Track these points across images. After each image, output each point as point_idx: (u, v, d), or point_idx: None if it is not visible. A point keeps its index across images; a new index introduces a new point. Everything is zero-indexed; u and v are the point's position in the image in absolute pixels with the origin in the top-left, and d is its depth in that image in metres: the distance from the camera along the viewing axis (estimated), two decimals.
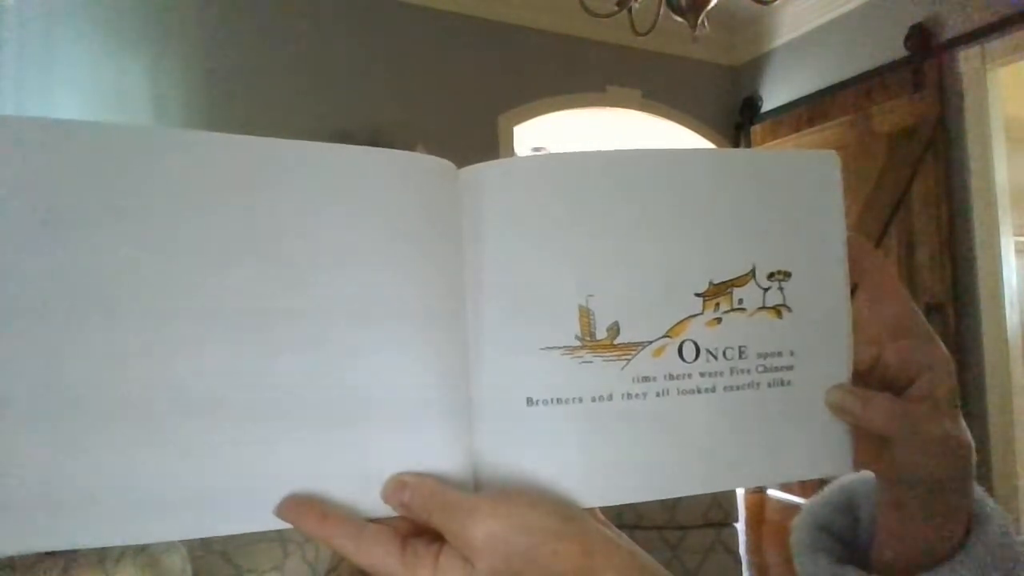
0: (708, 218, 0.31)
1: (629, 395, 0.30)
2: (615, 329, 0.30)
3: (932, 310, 2.46)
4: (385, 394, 0.28)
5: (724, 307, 0.31)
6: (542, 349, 0.29)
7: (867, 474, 0.39)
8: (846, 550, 0.37)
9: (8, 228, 0.24)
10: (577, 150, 0.31)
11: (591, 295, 0.30)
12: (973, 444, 0.31)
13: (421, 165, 0.30)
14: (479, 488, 0.30)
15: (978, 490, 0.33)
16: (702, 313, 0.31)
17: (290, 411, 0.27)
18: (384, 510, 0.28)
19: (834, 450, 0.32)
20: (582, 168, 0.30)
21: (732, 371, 0.31)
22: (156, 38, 2.35)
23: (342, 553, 0.27)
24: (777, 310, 0.31)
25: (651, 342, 0.30)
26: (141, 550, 1.27)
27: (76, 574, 1.20)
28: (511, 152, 3.00)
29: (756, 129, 3.35)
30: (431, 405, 0.29)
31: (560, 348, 0.29)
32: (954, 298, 2.43)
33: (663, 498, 0.30)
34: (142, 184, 0.26)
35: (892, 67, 2.67)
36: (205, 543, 1.62)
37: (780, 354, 0.31)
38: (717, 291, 0.31)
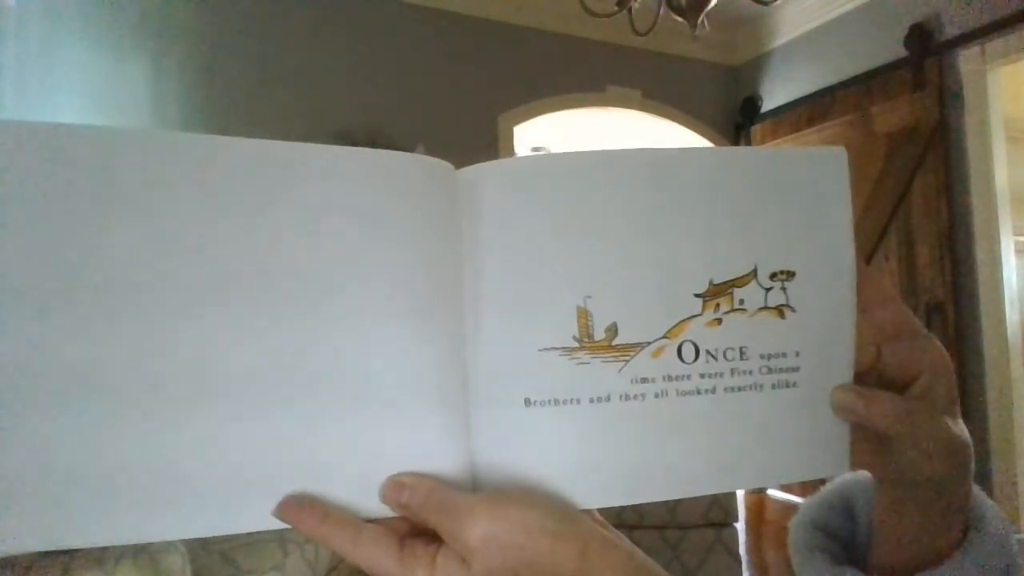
0: (709, 218, 0.31)
1: (627, 396, 0.30)
2: (613, 330, 0.30)
3: (932, 310, 2.46)
4: (383, 394, 0.28)
5: (724, 308, 0.31)
6: (540, 350, 0.29)
7: (863, 474, 0.39)
8: (843, 550, 0.37)
9: (16, 225, 0.25)
10: (576, 150, 0.30)
11: (589, 296, 0.30)
12: (972, 444, 0.31)
13: (419, 165, 0.30)
14: (477, 489, 0.30)
15: (976, 490, 0.33)
16: (701, 314, 0.30)
17: (289, 411, 0.27)
18: (382, 510, 0.28)
19: (833, 451, 0.32)
20: (580, 168, 0.30)
21: (733, 372, 0.31)
22: (156, 38, 2.35)
23: (340, 553, 0.27)
24: (780, 310, 0.31)
25: (650, 343, 0.30)
26: (141, 550, 1.27)
27: (76, 574, 1.20)
28: (511, 152, 3.00)
29: (756, 129, 3.35)
30: (429, 405, 0.29)
31: (558, 349, 0.29)
32: (954, 298, 2.43)
33: (662, 500, 0.30)
34: (143, 184, 0.26)
35: (892, 67, 2.67)
36: (205, 543, 1.62)
37: (785, 355, 0.31)
38: (717, 291, 0.30)
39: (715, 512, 2.01)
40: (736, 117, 3.47)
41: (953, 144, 2.47)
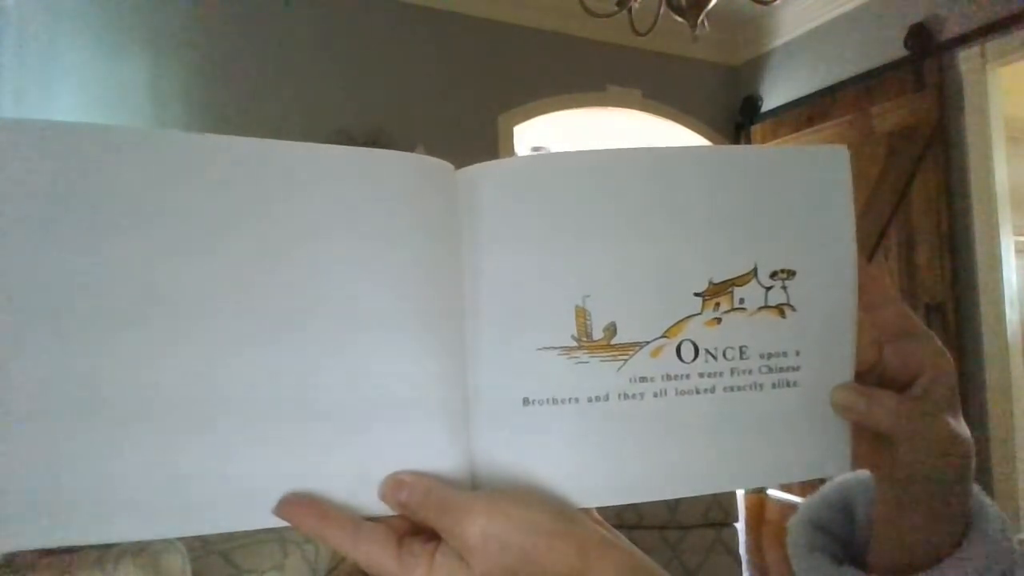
0: (709, 216, 0.31)
1: (626, 395, 0.30)
2: (612, 329, 0.30)
3: (932, 310, 2.46)
4: (383, 393, 0.29)
5: (724, 307, 0.30)
6: (539, 349, 0.29)
7: (863, 473, 0.39)
8: (843, 550, 0.37)
9: (21, 232, 0.25)
10: (575, 149, 0.30)
11: (588, 295, 0.30)
12: (973, 443, 0.31)
13: (418, 165, 0.30)
14: (476, 487, 0.30)
15: (976, 489, 0.33)
16: (701, 313, 0.30)
17: (289, 409, 0.27)
18: (381, 509, 0.28)
19: (834, 450, 0.32)
20: (579, 167, 0.30)
21: (733, 372, 0.31)
22: (156, 38, 2.35)
23: (339, 551, 0.27)
24: (780, 309, 0.31)
25: (648, 342, 0.30)
26: (141, 550, 1.27)
27: (76, 573, 1.20)
28: (511, 152, 3.00)
29: (756, 129, 3.35)
30: (429, 404, 0.29)
31: (556, 348, 0.29)
32: (954, 298, 2.43)
33: (661, 499, 0.30)
34: (142, 186, 0.26)
35: (892, 67, 2.67)
36: (205, 543, 1.62)
37: (785, 354, 0.31)
38: (717, 291, 0.30)
39: (715, 512, 2.01)
40: (736, 117, 3.47)
41: (953, 144, 2.47)
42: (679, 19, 1.82)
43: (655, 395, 0.30)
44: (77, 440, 0.25)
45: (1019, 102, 2.64)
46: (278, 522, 0.27)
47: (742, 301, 0.31)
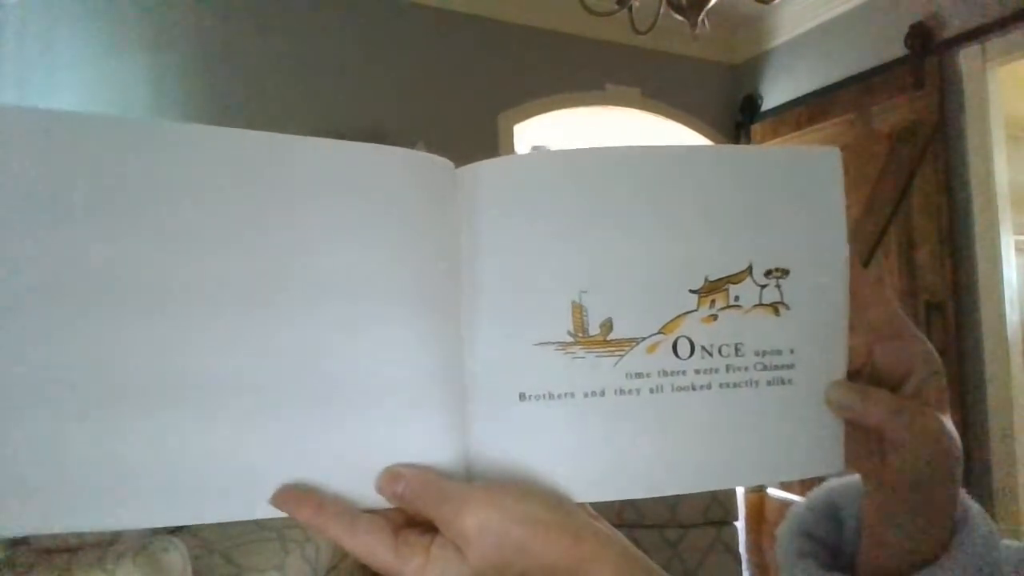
0: (705, 214, 0.31)
1: (622, 391, 0.30)
2: (608, 325, 0.30)
3: (932, 309, 2.46)
4: (380, 387, 0.29)
5: (720, 304, 0.31)
6: (535, 345, 0.29)
7: (850, 479, 0.39)
8: (831, 556, 0.37)
9: (10, 217, 0.25)
10: (573, 147, 0.31)
11: (584, 291, 0.30)
12: (961, 445, 0.31)
13: (419, 161, 0.30)
14: (471, 481, 0.30)
15: (962, 494, 0.33)
16: (697, 310, 0.30)
17: (285, 403, 0.28)
18: (378, 501, 0.28)
19: (827, 449, 0.32)
20: (577, 165, 0.30)
21: (728, 368, 0.31)
22: (157, 35, 2.35)
23: (336, 542, 0.27)
24: (774, 307, 0.31)
25: (645, 338, 0.30)
26: (142, 549, 1.27)
27: (76, 572, 1.20)
28: (511, 150, 3.00)
29: (756, 128, 3.35)
30: (425, 398, 0.29)
31: (553, 344, 0.29)
32: (954, 297, 2.43)
33: (656, 496, 0.30)
34: (144, 175, 0.27)
35: (892, 66, 2.67)
36: (206, 543, 1.62)
37: (780, 352, 0.31)
38: (713, 288, 0.31)
39: (715, 511, 2.01)
40: (736, 116, 3.47)
41: (953, 143, 2.47)
42: (679, 18, 1.82)
43: (651, 391, 0.30)
44: (75, 425, 0.25)
45: (1019, 101, 2.63)
46: (275, 512, 0.27)
47: (737, 298, 0.31)
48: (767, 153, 0.33)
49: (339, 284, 0.29)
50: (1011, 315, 2.35)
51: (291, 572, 1.62)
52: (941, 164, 2.47)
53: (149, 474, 0.26)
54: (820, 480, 0.39)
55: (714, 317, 0.31)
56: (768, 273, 0.31)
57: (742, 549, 2.19)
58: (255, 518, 0.27)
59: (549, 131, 3.38)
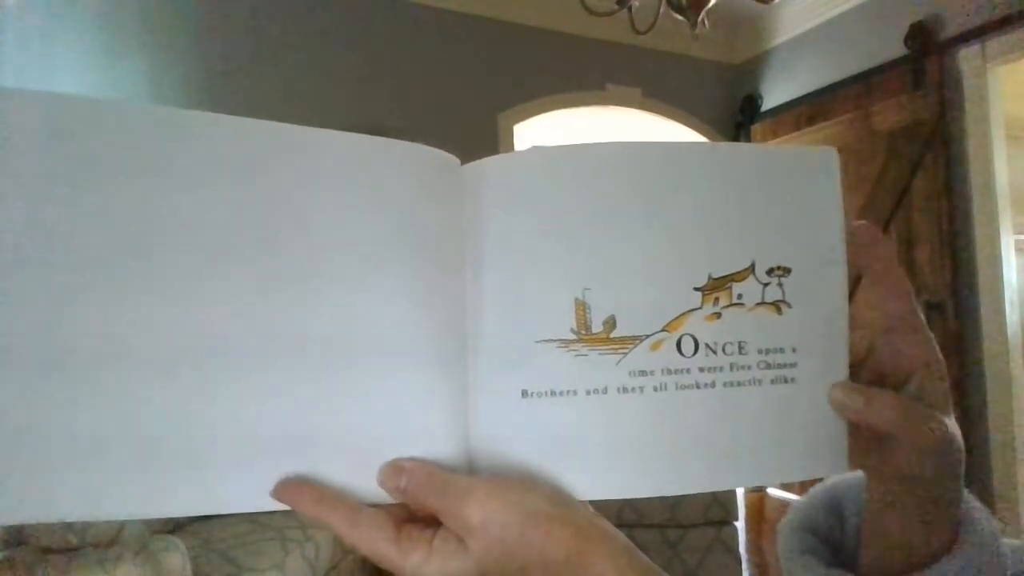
0: (707, 212, 0.31)
1: (625, 389, 0.30)
2: (611, 323, 0.30)
3: (932, 309, 2.46)
4: (382, 382, 0.29)
5: (723, 302, 0.31)
6: (537, 342, 0.29)
7: (852, 476, 0.38)
8: (833, 553, 0.37)
9: (17, 186, 0.25)
10: (576, 143, 0.31)
11: (587, 288, 0.30)
12: (963, 445, 0.31)
13: (426, 156, 0.30)
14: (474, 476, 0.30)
15: (966, 494, 0.33)
16: (701, 307, 0.30)
17: (286, 390, 0.28)
18: (379, 496, 0.28)
19: (831, 450, 0.32)
20: (581, 161, 0.30)
21: (732, 367, 0.30)
22: (155, 36, 2.35)
23: (337, 535, 0.27)
24: (777, 306, 0.31)
25: (648, 336, 0.30)
26: (142, 549, 1.27)
27: (76, 572, 1.20)
28: (511, 150, 3.00)
29: (756, 128, 3.35)
30: (428, 393, 0.29)
31: (555, 341, 0.29)
32: (954, 296, 2.43)
33: (658, 495, 0.30)
34: (152, 157, 0.27)
35: (892, 65, 2.67)
36: (206, 542, 1.62)
37: (782, 350, 0.31)
38: (716, 285, 0.30)
39: (715, 510, 2.01)
40: (736, 116, 3.47)
41: (953, 143, 2.47)
42: (679, 17, 1.82)
43: (655, 389, 0.30)
44: (66, 408, 0.25)
45: (1019, 101, 2.63)
46: (276, 505, 0.27)
47: (740, 296, 0.31)
48: (767, 152, 0.33)
49: (342, 274, 0.29)
50: (1011, 315, 2.35)
51: (291, 572, 1.62)
52: (941, 164, 2.47)
53: (146, 463, 0.26)
54: (821, 479, 0.39)
55: (718, 315, 0.30)
56: (770, 271, 0.31)
57: (742, 549, 2.19)
58: (256, 511, 0.27)
59: (549, 131, 3.38)
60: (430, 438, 0.29)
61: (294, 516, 1.80)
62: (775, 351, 0.31)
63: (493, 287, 0.30)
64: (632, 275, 0.30)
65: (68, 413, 0.25)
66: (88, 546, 1.28)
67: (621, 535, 0.28)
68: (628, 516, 1.99)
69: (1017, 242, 2.49)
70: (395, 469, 0.28)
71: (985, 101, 2.39)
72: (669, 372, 0.30)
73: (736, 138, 3.48)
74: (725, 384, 0.30)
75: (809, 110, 3.05)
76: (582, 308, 0.30)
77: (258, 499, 0.27)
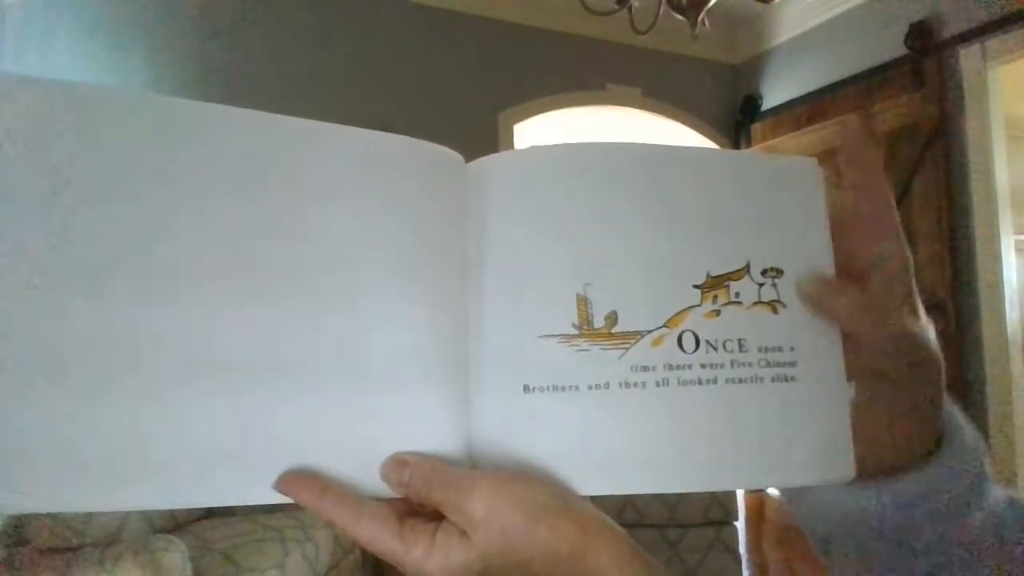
0: (705, 213, 0.31)
1: (627, 384, 0.30)
2: (613, 318, 0.30)
3: (932, 308, 2.46)
4: (384, 376, 0.29)
5: (722, 299, 0.31)
6: (539, 337, 0.29)
7: None
8: None
9: (22, 189, 0.25)
10: (578, 142, 0.31)
11: (589, 284, 0.30)
12: (938, 351, 0.31)
13: (430, 152, 0.31)
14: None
15: (955, 410, 0.33)
16: (700, 304, 0.31)
17: (290, 388, 0.28)
18: (381, 490, 0.28)
19: (837, 456, 0.31)
20: (582, 160, 0.31)
21: (733, 363, 0.30)
22: (156, 38, 2.35)
23: (340, 528, 0.27)
24: (772, 305, 0.31)
25: (650, 331, 0.30)
26: (142, 548, 1.27)
27: (76, 572, 1.20)
28: (511, 149, 2.99)
29: (756, 127, 3.35)
30: (430, 389, 0.29)
31: (557, 336, 0.29)
32: (954, 297, 2.43)
33: (660, 491, 0.30)
34: (156, 152, 0.27)
35: (892, 65, 2.67)
36: (206, 542, 1.62)
37: (781, 349, 0.31)
38: (715, 283, 0.31)
39: (715, 511, 2.01)
40: (736, 115, 3.47)
41: (953, 143, 2.47)
42: (679, 17, 1.82)
43: (657, 384, 0.30)
44: (77, 405, 0.25)
45: (1019, 101, 2.64)
46: (278, 498, 0.27)
47: (738, 295, 0.31)
48: (752, 159, 0.33)
49: (343, 270, 0.29)
50: (1011, 315, 2.35)
51: (291, 572, 1.62)
52: (941, 164, 2.47)
53: (148, 456, 0.26)
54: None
55: (717, 312, 0.31)
56: (764, 272, 0.31)
57: (742, 549, 2.19)
58: (259, 503, 0.27)
59: (549, 131, 3.38)
60: (432, 433, 0.29)
61: (294, 516, 1.80)
62: (774, 350, 0.31)
63: (495, 282, 0.30)
64: (633, 271, 0.30)
65: (73, 414, 0.25)
66: (88, 546, 1.28)
67: (622, 530, 0.28)
68: (628, 515, 1.99)
69: (1017, 242, 2.49)
70: (398, 463, 0.28)
71: (985, 101, 2.39)
72: (671, 368, 0.30)
73: (736, 138, 3.48)
74: (727, 381, 0.30)
75: (809, 110, 3.05)
76: (584, 303, 0.30)
77: (261, 492, 0.27)
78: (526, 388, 0.29)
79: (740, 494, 2.83)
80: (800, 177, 0.33)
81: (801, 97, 3.12)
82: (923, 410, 0.31)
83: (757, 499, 3.14)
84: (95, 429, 0.25)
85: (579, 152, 0.31)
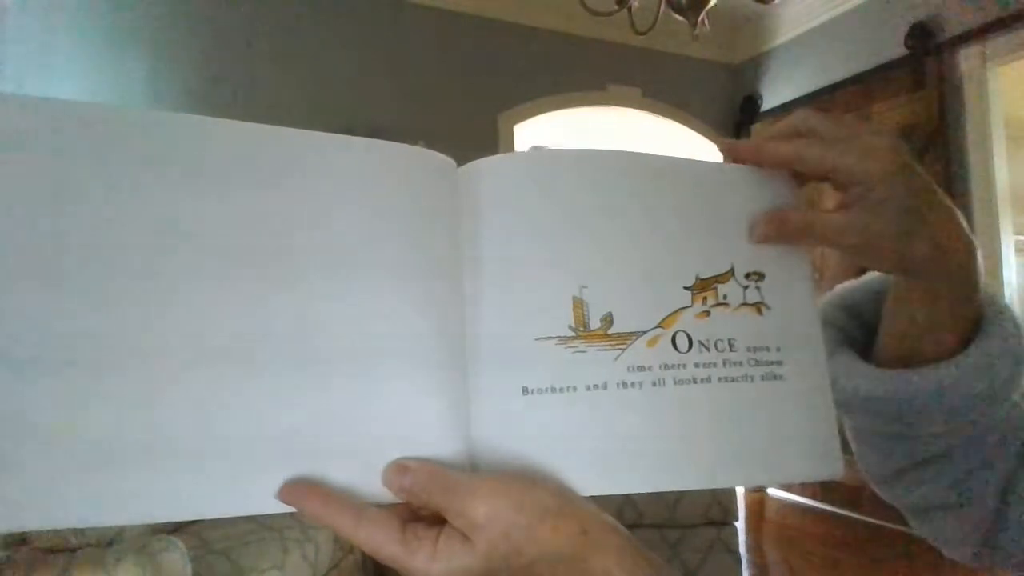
0: (692, 218, 0.33)
1: (624, 384, 0.30)
2: (608, 320, 0.30)
3: None
4: (384, 383, 0.29)
5: (711, 301, 0.32)
6: (537, 340, 0.30)
7: (864, 281, 0.41)
8: (864, 335, 0.39)
9: (22, 196, 0.25)
10: (570, 148, 0.32)
11: (584, 286, 0.30)
12: (970, 241, 0.32)
13: (423, 158, 0.31)
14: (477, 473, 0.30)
15: (993, 296, 0.35)
16: (691, 306, 0.32)
17: (288, 392, 0.28)
18: (383, 496, 0.28)
19: (825, 453, 0.32)
20: (575, 167, 0.31)
21: (725, 363, 0.31)
22: (155, 39, 2.36)
23: (342, 535, 0.27)
24: (757, 307, 0.33)
25: (644, 332, 0.31)
26: (142, 548, 1.27)
27: (76, 572, 1.20)
28: (511, 150, 3.00)
29: (756, 128, 3.36)
30: (428, 392, 0.29)
31: (554, 338, 0.30)
32: None
33: (659, 490, 0.30)
34: (148, 161, 0.27)
35: (892, 66, 2.67)
36: (206, 542, 1.62)
37: (768, 348, 0.32)
38: (703, 285, 0.32)
39: (715, 511, 2.01)
40: (736, 116, 3.47)
41: (953, 143, 2.47)
42: (679, 18, 1.82)
43: (654, 384, 0.30)
44: (71, 403, 0.25)
45: (1019, 101, 2.64)
46: (281, 507, 0.27)
47: (725, 297, 0.32)
48: (736, 169, 0.34)
49: (340, 275, 0.29)
50: None
51: (291, 572, 1.62)
52: (941, 164, 2.47)
53: (151, 467, 0.26)
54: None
55: (707, 313, 0.32)
56: (748, 275, 0.33)
57: (742, 549, 2.19)
58: (261, 512, 0.27)
59: (549, 131, 3.38)
60: (432, 438, 0.29)
61: (294, 516, 1.79)
62: (762, 349, 0.32)
63: (492, 286, 0.30)
64: (627, 273, 0.31)
65: (74, 417, 0.25)
66: (88, 546, 1.28)
67: (624, 529, 0.28)
68: (628, 516, 1.99)
69: (1017, 242, 2.49)
70: (399, 468, 0.28)
71: (985, 101, 2.39)
72: (667, 367, 0.30)
73: (736, 138, 3.47)
74: (720, 380, 0.31)
75: None
76: (580, 305, 0.30)
77: (263, 501, 0.27)
78: (525, 390, 0.30)
79: (740, 494, 2.83)
80: (772, 187, 0.34)
81: (801, 97, 3.12)
82: (958, 296, 0.33)
83: (757, 499, 3.14)
84: (90, 439, 0.25)
85: (571, 159, 0.32)
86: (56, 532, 1.26)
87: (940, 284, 0.33)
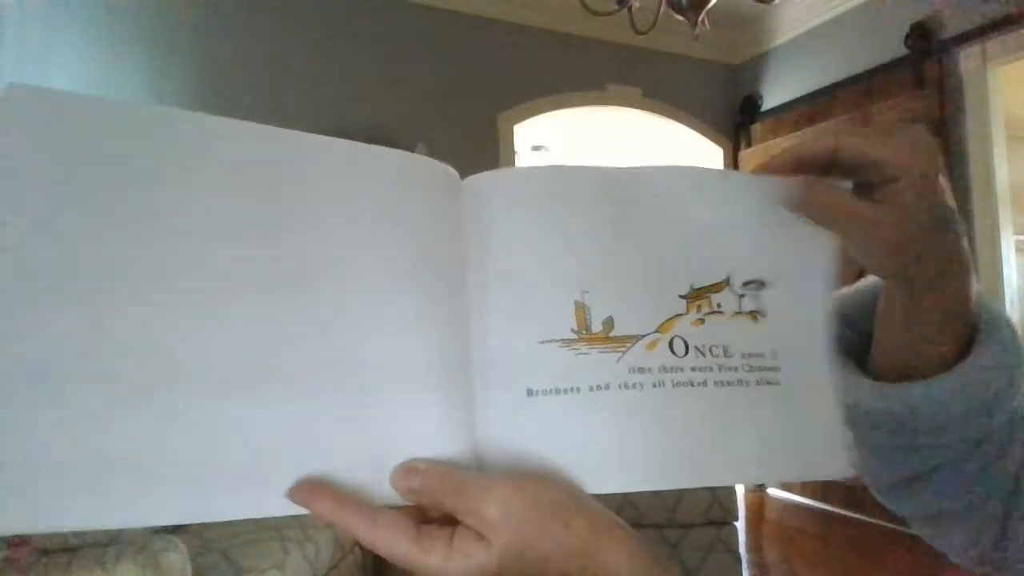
0: (688, 230, 0.33)
1: (626, 385, 0.31)
2: (610, 323, 0.31)
3: None
4: (390, 385, 0.29)
5: (705, 309, 0.33)
6: (540, 342, 0.31)
7: (856, 289, 0.40)
8: (860, 340, 0.39)
9: (17, 200, 0.25)
10: (575, 164, 0.33)
11: (586, 291, 0.31)
12: (968, 255, 0.32)
13: (426, 166, 0.31)
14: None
15: (988, 302, 0.35)
16: (687, 313, 0.33)
17: (294, 398, 0.28)
18: (394, 498, 0.28)
19: (830, 452, 0.33)
20: (579, 181, 0.33)
21: (720, 368, 0.32)
22: (156, 38, 2.36)
23: (356, 536, 0.27)
24: (752, 315, 0.34)
25: (644, 336, 0.32)
26: (142, 548, 1.27)
27: (76, 572, 1.20)
28: (511, 150, 3.00)
29: (756, 128, 3.36)
30: (434, 395, 0.30)
31: (558, 340, 0.31)
32: None
33: (661, 488, 0.31)
34: (153, 162, 0.27)
35: (892, 66, 2.67)
36: (206, 542, 1.62)
37: (763, 355, 0.33)
38: (697, 295, 0.33)
39: (715, 511, 2.01)
40: (736, 116, 3.48)
41: (953, 143, 2.47)
42: (679, 18, 1.82)
43: (654, 385, 0.31)
44: (76, 424, 0.25)
45: (1019, 102, 2.64)
46: (291, 509, 0.27)
47: (719, 305, 0.33)
48: (742, 178, 0.35)
49: (345, 281, 0.29)
50: (1011, 315, 2.35)
51: (291, 572, 1.62)
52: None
53: (152, 472, 0.26)
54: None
55: (701, 321, 0.33)
56: (746, 284, 0.34)
57: (742, 549, 2.20)
58: (271, 515, 0.27)
59: (549, 131, 3.38)
60: (439, 438, 0.29)
61: (294, 516, 1.79)
62: (756, 355, 0.33)
63: (497, 291, 0.31)
64: (626, 280, 0.32)
65: (76, 423, 0.25)
66: (88, 546, 1.28)
67: (631, 528, 0.29)
68: (628, 515, 1.99)
69: (1017, 242, 2.49)
70: (408, 470, 0.28)
71: (985, 101, 2.39)
72: (665, 370, 0.31)
73: (736, 138, 3.48)
74: (716, 383, 0.32)
75: (809, 110, 3.05)
76: (582, 309, 0.31)
77: (273, 503, 0.27)
78: (530, 391, 0.30)
79: (740, 494, 2.83)
80: (780, 196, 0.34)
81: (801, 98, 3.12)
82: (953, 310, 0.33)
83: (757, 499, 3.14)
84: (96, 445, 0.25)
85: (575, 174, 0.33)
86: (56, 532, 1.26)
87: (935, 296, 0.33)
